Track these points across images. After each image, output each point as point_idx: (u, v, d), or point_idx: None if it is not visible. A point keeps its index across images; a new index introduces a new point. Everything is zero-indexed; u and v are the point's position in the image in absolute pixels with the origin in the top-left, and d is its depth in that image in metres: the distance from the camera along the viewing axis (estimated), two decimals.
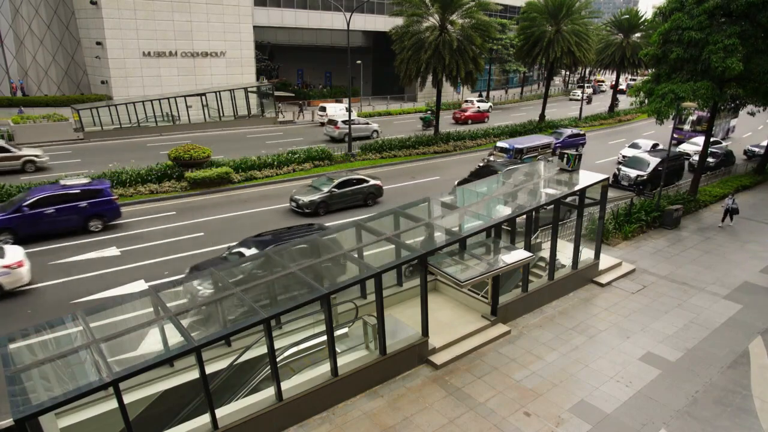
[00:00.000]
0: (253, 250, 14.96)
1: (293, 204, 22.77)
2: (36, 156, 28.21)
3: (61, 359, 8.56)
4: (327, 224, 19.82)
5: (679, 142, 38.24)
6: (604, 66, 58.01)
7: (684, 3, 21.17)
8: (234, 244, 17.12)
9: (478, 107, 52.67)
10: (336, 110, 44.23)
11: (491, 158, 29.97)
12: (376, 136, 39.62)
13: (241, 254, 15.06)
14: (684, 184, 26.77)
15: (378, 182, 24.33)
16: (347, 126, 34.91)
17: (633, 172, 27.33)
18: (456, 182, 25.19)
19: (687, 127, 40.36)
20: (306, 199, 22.39)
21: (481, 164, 27.17)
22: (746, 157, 36.34)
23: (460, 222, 13.26)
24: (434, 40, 34.45)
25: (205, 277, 11.38)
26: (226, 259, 15.06)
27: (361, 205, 23.72)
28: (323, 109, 44.52)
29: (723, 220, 22.02)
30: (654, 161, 27.41)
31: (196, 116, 41.18)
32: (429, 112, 45.56)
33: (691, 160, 32.32)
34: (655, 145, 34.11)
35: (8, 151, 27.61)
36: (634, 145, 34.46)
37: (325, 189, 22.75)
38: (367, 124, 40.33)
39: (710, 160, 31.34)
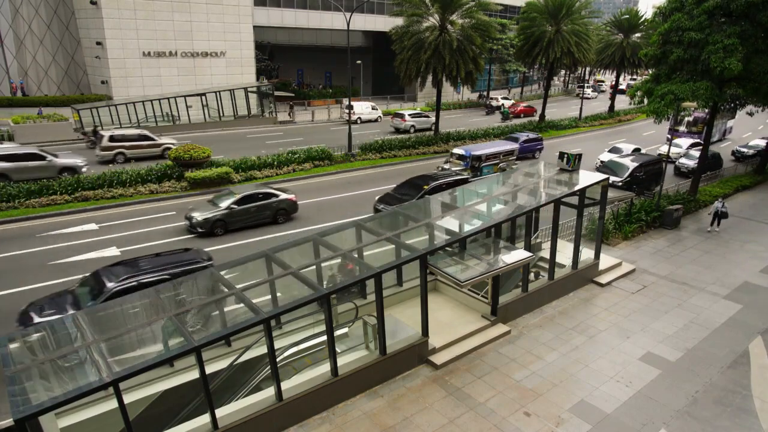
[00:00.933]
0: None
1: (186, 222, 19.98)
2: (172, 144, 32.04)
3: (61, 359, 8.56)
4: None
5: (671, 144, 38.16)
6: (604, 66, 58.01)
7: (684, 3, 21.17)
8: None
9: (528, 103, 61.05)
10: (363, 108, 48.83)
11: (446, 166, 28.49)
12: (414, 129, 44.92)
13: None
14: (670, 187, 25.92)
15: (292, 197, 21.57)
16: (414, 119, 44.27)
17: (610, 179, 26.50)
18: (376, 198, 22.76)
19: (683, 128, 39.62)
20: (200, 216, 19.47)
21: (435, 171, 26.06)
22: (734, 158, 35.54)
23: (459, 222, 13.26)
24: (434, 40, 34.45)
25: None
26: (71, 293, 13.05)
27: (270, 222, 20.98)
28: (351, 107, 46.82)
29: (712, 224, 21.37)
30: (632, 166, 26.59)
31: (196, 116, 41.19)
32: (507, 106, 55.81)
33: (677, 163, 31.83)
34: (636, 150, 33.15)
35: (152, 139, 32.09)
36: (614, 150, 33.36)
37: (224, 204, 19.93)
38: (428, 117, 45.79)
39: (688, 162, 30.85)
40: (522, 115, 54.77)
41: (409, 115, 44.78)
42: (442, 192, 16.52)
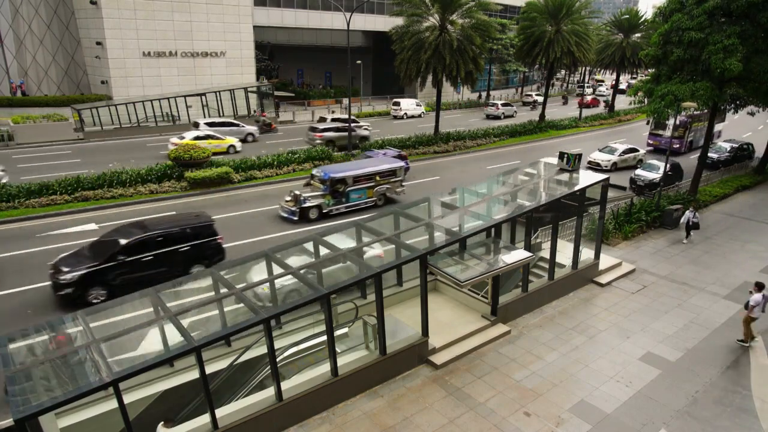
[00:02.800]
0: None
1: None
2: (254, 133, 38.24)
3: (61, 359, 8.56)
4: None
5: (656, 149, 36.45)
6: (604, 66, 58.02)
7: (684, 3, 21.18)
8: None
9: (595, 95, 70.20)
10: (409, 104, 53.40)
11: (306, 190, 22.77)
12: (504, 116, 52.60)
13: None
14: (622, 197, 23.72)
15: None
16: (507, 107, 52.57)
17: None
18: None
19: (667, 133, 35.43)
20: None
21: (288, 198, 21.87)
22: (633, 187, 28.92)
23: (460, 222, 13.25)
24: (434, 40, 34.44)
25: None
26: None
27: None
28: (397, 103, 53.29)
29: (687, 236, 20.04)
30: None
31: (196, 116, 41.17)
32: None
33: (633, 174, 28.28)
34: (632, 149, 32.90)
35: (238, 125, 37.31)
36: (609, 150, 32.80)
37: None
38: (510, 106, 53.88)
39: (646, 174, 27.31)
40: (591, 106, 63.41)
41: (502, 104, 54.44)
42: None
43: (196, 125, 35.96)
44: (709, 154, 31.08)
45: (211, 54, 46.57)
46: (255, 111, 44.29)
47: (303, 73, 67.28)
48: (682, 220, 20.06)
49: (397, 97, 56.53)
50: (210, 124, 36.09)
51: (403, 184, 24.61)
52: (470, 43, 34.56)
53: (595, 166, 31.19)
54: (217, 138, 33.44)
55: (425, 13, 35.32)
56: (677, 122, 33.91)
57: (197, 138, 31.90)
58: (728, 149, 34.06)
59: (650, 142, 37.50)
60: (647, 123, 37.77)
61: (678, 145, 36.17)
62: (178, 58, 44.89)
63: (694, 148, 36.00)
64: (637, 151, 33.24)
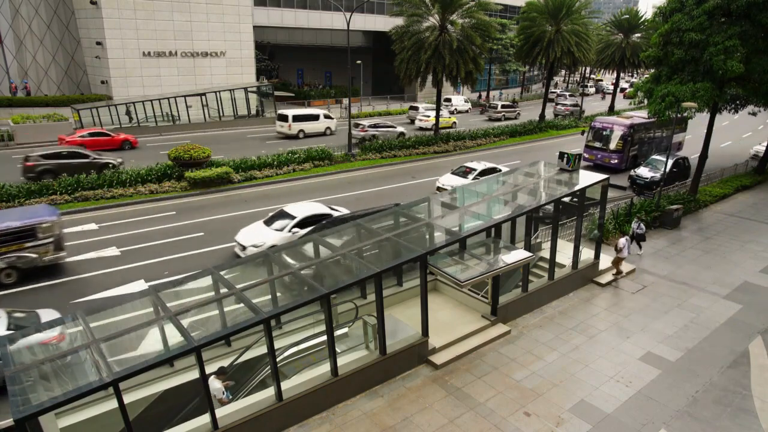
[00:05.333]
0: None
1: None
2: (331, 127, 41.09)
3: (61, 359, 8.56)
4: None
5: (595, 164, 31.14)
6: (604, 66, 58.01)
7: (684, 4, 21.17)
8: None
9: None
10: (458, 100, 57.52)
11: None
12: (504, 118, 52.23)
13: None
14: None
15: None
16: (509, 109, 52.51)
17: None
18: None
19: (612, 145, 31.08)
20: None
21: None
22: (633, 187, 26.87)
23: (459, 222, 13.25)
24: (434, 40, 34.44)
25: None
26: None
27: None
28: (448, 100, 56.29)
29: (640, 248, 18.79)
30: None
31: (196, 116, 41.20)
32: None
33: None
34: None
35: (393, 127, 40.69)
36: (463, 172, 26.67)
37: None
38: (514, 106, 54.90)
39: (647, 173, 24.18)
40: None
41: (502, 105, 55.00)
42: None
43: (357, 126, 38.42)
44: (641, 173, 27.19)
45: (211, 54, 46.56)
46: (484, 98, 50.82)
47: (303, 73, 67.28)
48: (630, 231, 18.57)
49: (448, 95, 58.77)
50: (373, 126, 39.37)
51: (63, 246, 16.45)
52: (470, 43, 34.56)
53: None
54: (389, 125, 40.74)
55: (425, 13, 35.32)
56: (616, 132, 30.71)
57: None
58: (670, 165, 26.13)
59: (586, 156, 31.81)
60: (582, 134, 33.51)
61: (616, 161, 30.88)
62: (178, 58, 44.88)
63: (646, 164, 28.37)
64: (499, 170, 25.60)
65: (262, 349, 11.02)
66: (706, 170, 26.51)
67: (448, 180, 25.18)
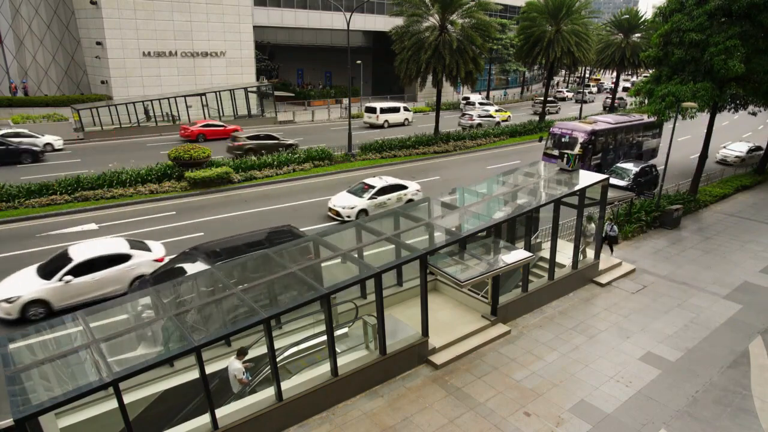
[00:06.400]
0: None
1: None
2: (408, 118, 46.79)
3: (61, 359, 8.56)
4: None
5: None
6: (604, 66, 58.06)
7: (684, 4, 21.17)
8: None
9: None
10: (476, 98, 59.80)
11: None
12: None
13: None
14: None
15: None
16: (486, 117, 49.26)
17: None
18: None
19: (575, 150, 27.63)
20: None
21: None
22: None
23: (460, 222, 13.25)
24: (434, 40, 34.44)
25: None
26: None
27: None
28: (467, 98, 59.48)
29: (612, 251, 17.99)
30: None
31: (196, 116, 41.18)
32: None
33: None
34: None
35: (399, 111, 46.64)
36: (359, 190, 23.47)
37: None
38: (488, 107, 54.65)
39: (614, 181, 21.65)
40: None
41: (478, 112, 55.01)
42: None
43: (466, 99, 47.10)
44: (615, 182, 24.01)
45: (211, 54, 46.57)
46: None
47: (303, 73, 67.26)
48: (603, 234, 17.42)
49: (469, 94, 61.00)
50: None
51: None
52: (470, 43, 34.56)
53: (335, 216, 21.40)
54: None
55: (425, 13, 35.33)
56: (576, 139, 27.59)
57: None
58: (634, 173, 24.92)
59: (544, 163, 26.81)
60: (540, 140, 31.46)
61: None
62: (178, 58, 44.88)
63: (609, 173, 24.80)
64: (404, 188, 22.62)
65: (262, 349, 11.02)
66: (706, 170, 26.50)
67: (342, 200, 21.81)
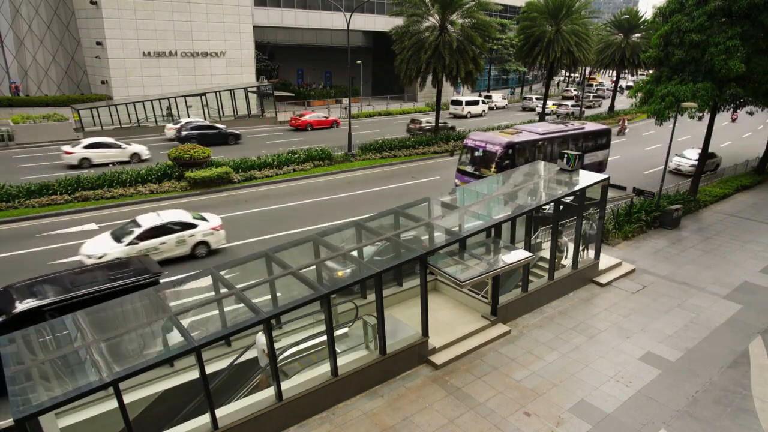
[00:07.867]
0: None
1: None
2: (485, 109, 55.24)
3: (61, 359, 8.56)
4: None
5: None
6: (604, 66, 58.04)
7: (684, 4, 21.16)
8: None
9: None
10: (499, 97, 64.76)
11: None
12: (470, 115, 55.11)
13: None
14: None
15: None
16: (473, 105, 55.13)
17: None
18: None
19: (469, 168, 24.00)
20: None
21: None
22: None
23: (460, 222, 13.25)
24: (434, 40, 34.45)
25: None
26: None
27: None
28: (489, 97, 63.12)
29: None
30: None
31: (196, 116, 41.20)
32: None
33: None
34: None
35: (478, 104, 55.49)
36: (120, 234, 18.11)
37: None
38: (476, 103, 57.36)
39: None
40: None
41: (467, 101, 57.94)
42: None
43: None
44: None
45: (211, 54, 46.58)
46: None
47: (303, 73, 67.29)
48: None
49: (491, 92, 66.72)
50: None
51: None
52: (470, 43, 34.57)
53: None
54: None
55: (425, 13, 35.34)
56: (490, 154, 23.13)
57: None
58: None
59: (457, 182, 24.37)
60: (451, 154, 28.32)
61: None
62: (178, 58, 44.89)
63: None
64: (191, 227, 17.51)
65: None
66: (663, 179, 25.64)
67: (93, 247, 16.71)
